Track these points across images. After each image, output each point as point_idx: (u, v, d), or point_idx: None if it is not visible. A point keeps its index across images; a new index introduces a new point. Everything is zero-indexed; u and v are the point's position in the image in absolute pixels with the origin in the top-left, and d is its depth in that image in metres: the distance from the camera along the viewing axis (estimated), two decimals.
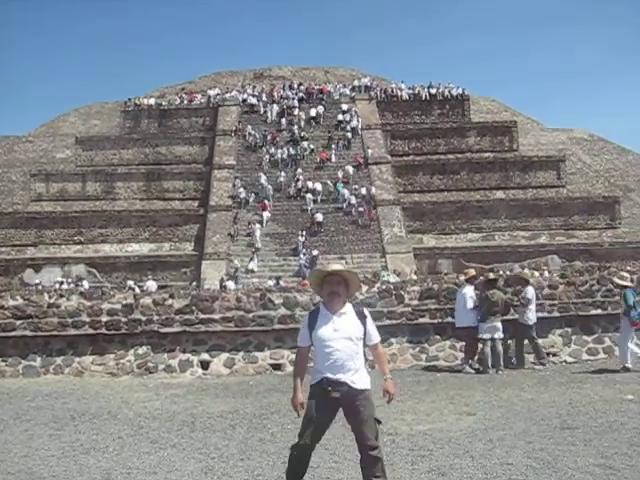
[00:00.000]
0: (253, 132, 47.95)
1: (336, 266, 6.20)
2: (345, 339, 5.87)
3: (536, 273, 24.51)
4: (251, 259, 37.52)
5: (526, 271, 15.86)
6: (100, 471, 7.25)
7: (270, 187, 43.07)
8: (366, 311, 6.22)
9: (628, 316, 13.20)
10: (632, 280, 14.05)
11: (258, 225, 40.06)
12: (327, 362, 5.85)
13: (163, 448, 8.13)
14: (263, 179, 43.63)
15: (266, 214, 41.14)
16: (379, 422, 5.96)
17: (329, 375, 5.82)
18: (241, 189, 42.93)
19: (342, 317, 5.95)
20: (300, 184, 43.42)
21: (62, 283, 32.82)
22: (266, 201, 42.01)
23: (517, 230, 43.03)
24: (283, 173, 44.38)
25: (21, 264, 40.00)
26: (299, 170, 44.79)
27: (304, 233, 39.47)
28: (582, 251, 39.83)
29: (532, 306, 14.30)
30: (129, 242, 43.22)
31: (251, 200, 42.56)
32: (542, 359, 14.18)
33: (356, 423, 5.87)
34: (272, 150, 46.45)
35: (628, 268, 17.70)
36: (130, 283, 32.62)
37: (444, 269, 36.23)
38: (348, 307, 6.05)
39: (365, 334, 6.03)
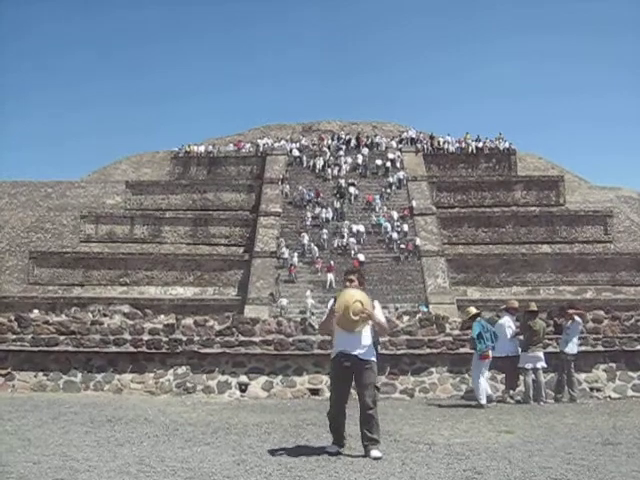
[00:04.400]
0: (298, 189, 48.39)
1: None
2: None
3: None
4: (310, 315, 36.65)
5: None
6: (134, 458, 7.25)
7: (316, 248, 43.02)
8: (375, 302, 7.93)
9: (475, 349, 12.79)
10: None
11: (309, 292, 39.28)
12: (341, 340, 7.62)
13: (197, 445, 8.09)
14: (306, 239, 43.63)
15: (330, 276, 40.34)
16: (378, 389, 7.85)
17: (342, 349, 7.57)
18: (284, 249, 42.86)
19: None
20: (345, 240, 43.54)
21: None
22: (331, 262, 41.64)
23: (563, 284, 42.51)
24: (325, 230, 44.50)
25: (67, 302, 40.41)
26: (346, 222, 45.00)
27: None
28: (629, 307, 38.91)
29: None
30: (174, 285, 43.74)
31: (295, 260, 42.26)
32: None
33: (359, 386, 7.59)
34: (317, 210, 46.67)
35: None
36: None
37: None
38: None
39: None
